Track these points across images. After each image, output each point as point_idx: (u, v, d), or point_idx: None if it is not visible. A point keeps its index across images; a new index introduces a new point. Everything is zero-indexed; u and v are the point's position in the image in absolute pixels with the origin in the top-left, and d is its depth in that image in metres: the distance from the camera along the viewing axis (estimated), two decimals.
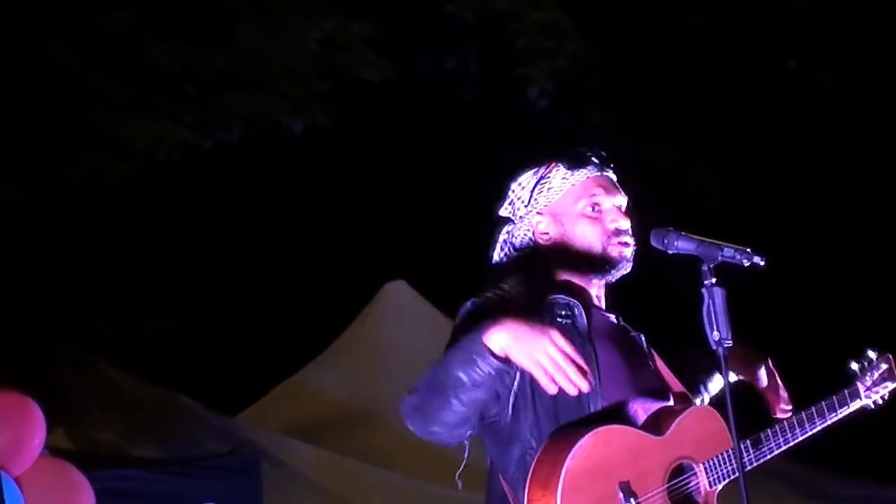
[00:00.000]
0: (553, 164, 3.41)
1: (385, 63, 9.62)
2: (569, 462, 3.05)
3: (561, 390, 3.02)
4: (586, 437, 3.08)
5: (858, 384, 3.53)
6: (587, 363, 3.17)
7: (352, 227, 11.70)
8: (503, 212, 3.46)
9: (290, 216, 11.67)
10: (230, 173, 10.95)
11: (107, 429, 7.60)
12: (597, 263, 3.35)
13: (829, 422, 3.45)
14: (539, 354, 2.95)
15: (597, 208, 3.38)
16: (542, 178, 3.40)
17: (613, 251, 3.34)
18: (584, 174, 3.40)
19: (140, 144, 8.91)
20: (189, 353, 10.69)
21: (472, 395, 3.02)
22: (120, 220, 9.49)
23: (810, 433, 3.42)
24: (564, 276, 3.37)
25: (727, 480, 3.25)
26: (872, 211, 11.53)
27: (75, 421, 7.44)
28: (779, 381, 3.59)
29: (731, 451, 3.21)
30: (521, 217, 3.42)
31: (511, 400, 3.15)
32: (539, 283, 3.34)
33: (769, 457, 3.35)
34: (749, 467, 3.24)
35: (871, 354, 3.60)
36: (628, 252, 3.36)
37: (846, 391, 3.50)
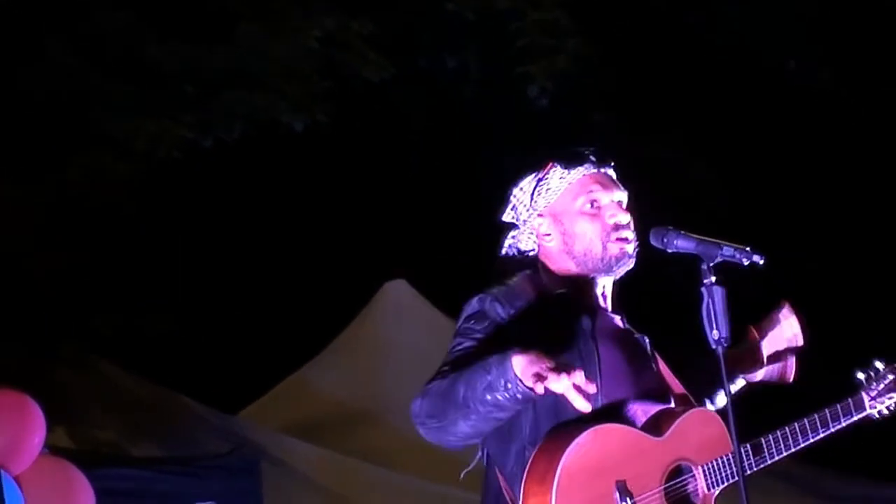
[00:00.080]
0: (550, 166, 3.42)
1: (385, 62, 9.61)
2: (565, 459, 3.04)
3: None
4: (584, 434, 3.08)
5: (863, 394, 3.50)
6: (589, 362, 3.18)
7: (352, 226, 11.70)
8: (506, 217, 3.47)
9: (291, 215, 11.67)
10: (230, 172, 10.95)
11: (107, 428, 7.61)
12: (599, 260, 3.34)
13: (831, 431, 3.42)
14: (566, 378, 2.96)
15: (595, 204, 3.38)
16: (540, 180, 3.41)
17: (614, 248, 3.34)
18: (581, 172, 3.41)
19: (140, 144, 8.90)
20: (189, 352, 10.68)
21: (498, 415, 3.04)
22: (120, 219, 9.48)
23: (812, 441, 3.40)
24: (569, 275, 3.37)
25: (725, 484, 3.24)
26: (872, 211, 11.53)
27: (75, 420, 7.44)
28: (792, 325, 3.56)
29: (730, 455, 3.21)
30: (523, 221, 3.43)
31: None
32: (544, 282, 3.34)
33: (768, 463, 3.34)
34: (748, 473, 3.22)
35: (879, 364, 3.55)
36: (630, 248, 3.36)
37: (850, 400, 3.47)
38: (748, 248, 3.22)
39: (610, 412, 3.19)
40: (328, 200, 11.75)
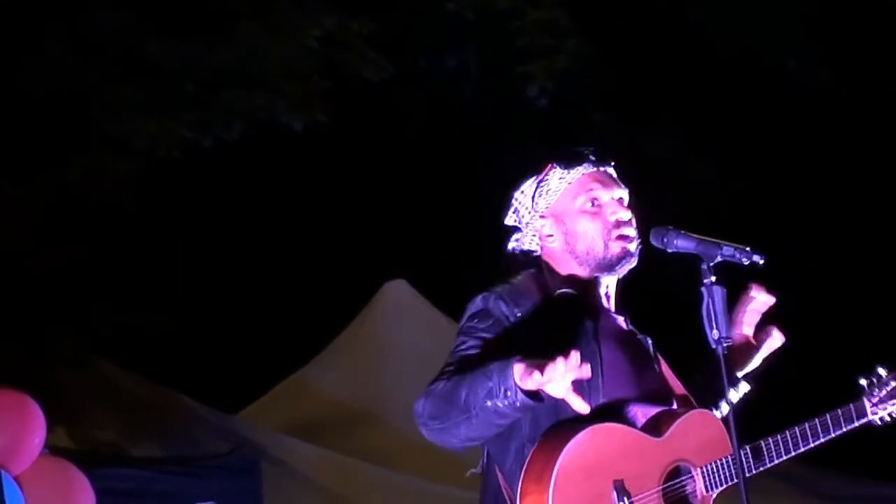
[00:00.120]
0: (550, 167, 3.43)
1: (385, 62, 9.60)
2: (563, 457, 3.04)
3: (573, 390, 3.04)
4: (582, 433, 3.07)
5: (865, 400, 3.48)
6: (591, 362, 3.17)
7: (352, 226, 11.70)
8: (509, 221, 3.47)
9: (290, 215, 11.67)
10: (230, 172, 10.95)
11: (107, 428, 7.61)
12: (601, 259, 3.34)
13: (833, 436, 3.41)
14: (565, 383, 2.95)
15: (596, 203, 3.38)
16: (540, 181, 3.42)
17: (615, 246, 3.34)
18: (580, 171, 3.41)
19: (140, 143, 8.89)
20: (189, 352, 10.68)
21: (498, 421, 3.05)
22: (120, 219, 9.48)
23: (813, 446, 3.39)
24: (572, 275, 3.37)
25: (724, 487, 3.23)
26: (872, 211, 11.52)
27: (75, 420, 7.44)
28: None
29: (730, 458, 3.20)
30: (526, 224, 3.44)
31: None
32: (547, 281, 3.35)
33: (768, 466, 3.33)
34: (748, 476, 3.22)
35: (882, 371, 3.53)
36: (632, 245, 3.36)
37: (852, 406, 3.45)
38: (748, 248, 3.22)
39: (610, 412, 3.19)
40: (328, 200, 11.76)
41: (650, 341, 3.41)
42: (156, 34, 8.89)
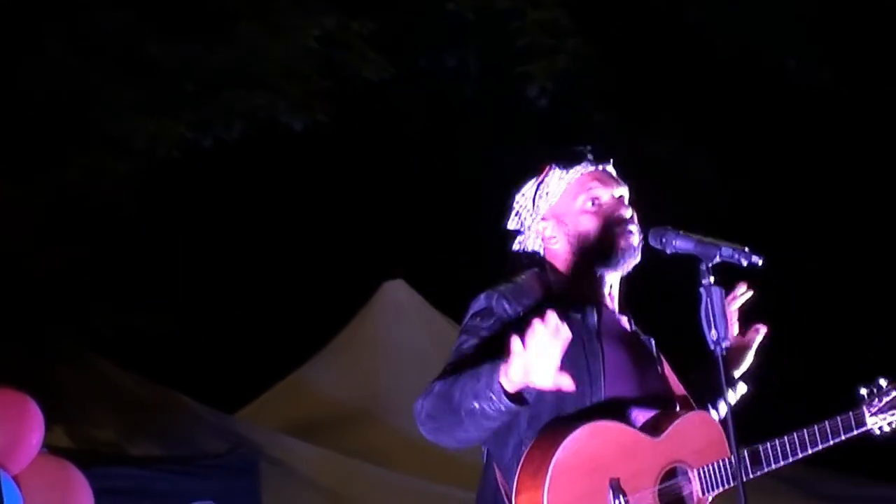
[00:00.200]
0: (549, 168, 3.44)
1: (385, 62, 9.60)
2: (559, 453, 3.04)
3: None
4: (579, 429, 3.07)
5: (865, 409, 3.47)
6: (593, 360, 3.17)
7: (351, 225, 11.70)
8: (511, 225, 3.48)
9: (290, 215, 11.67)
10: (230, 172, 10.95)
11: (105, 427, 7.60)
12: (604, 257, 3.34)
13: (831, 444, 3.41)
14: (550, 376, 2.94)
15: (596, 202, 3.38)
16: (540, 183, 3.43)
17: (618, 241, 3.34)
18: (579, 171, 3.41)
19: (140, 142, 8.89)
20: (188, 351, 10.68)
21: (486, 424, 3.04)
22: (119, 219, 9.48)
23: (811, 453, 3.38)
24: (576, 275, 3.37)
25: (721, 490, 3.23)
26: (872, 211, 11.52)
27: (74, 419, 7.44)
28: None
29: (727, 461, 3.20)
30: (528, 227, 3.44)
31: (533, 397, 3.14)
32: (551, 281, 3.34)
33: (765, 471, 3.33)
34: (744, 480, 3.21)
35: (882, 382, 3.52)
36: (634, 240, 3.35)
37: (851, 415, 3.44)
38: (747, 249, 3.22)
39: (611, 411, 3.19)
40: (327, 200, 11.75)
41: (653, 342, 3.41)
42: (156, 34, 8.89)
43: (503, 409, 2.97)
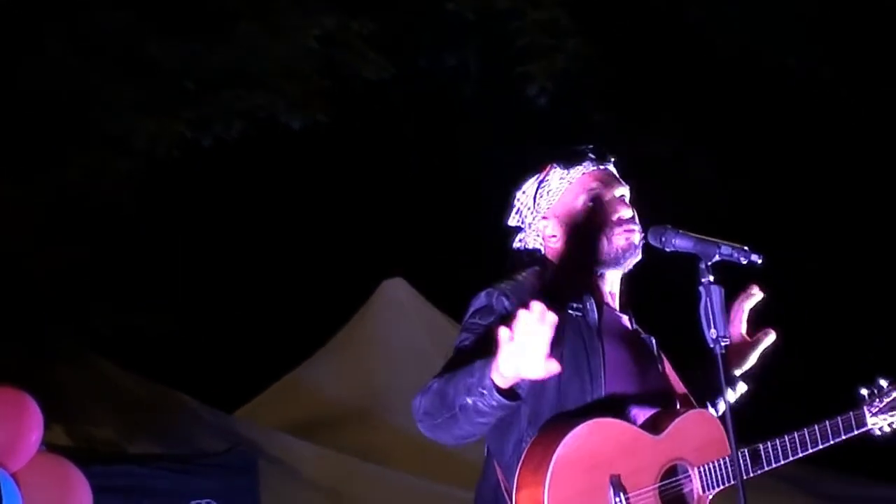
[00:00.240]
0: (550, 167, 3.44)
1: (385, 62, 9.60)
2: (560, 450, 3.04)
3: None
4: (581, 426, 3.07)
5: (865, 409, 3.48)
6: (594, 358, 3.17)
7: (350, 224, 11.70)
8: (512, 222, 3.48)
9: (290, 214, 11.67)
10: (230, 172, 10.95)
11: (104, 425, 7.61)
12: (605, 256, 3.35)
13: (831, 444, 3.41)
14: (540, 365, 2.93)
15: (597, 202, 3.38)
16: (541, 182, 3.43)
17: (619, 240, 3.35)
18: (580, 171, 3.41)
19: (139, 142, 8.90)
20: (187, 350, 10.69)
21: (480, 419, 3.03)
22: (119, 218, 9.49)
23: (811, 453, 3.38)
24: (576, 273, 3.37)
25: (721, 488, 3.23)
26: (873, 210, 11.52)
27: (73, 418, 7.44)
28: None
29: (727, 459, 3.20)
30: (529, 224, 3.44)
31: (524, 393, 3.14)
32: (553, 277, 3.34)
33: (765, 470, 3.33)
34: (745, 478, 3.21)
35: (883, 382, 3.53)
36: (635, 238, 3.36)
37: (852, 415, 3.44)
38: (746, 248, 3.22)
39: (611, 407, 3.19)
40: (327, 199, 11.76)
41: (654, 340, 3.42)
42: (156, 34, 8.89)
43: (495, 404, 2.97)
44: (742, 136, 11.47)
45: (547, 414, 3.17)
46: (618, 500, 3.07)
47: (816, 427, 3.38)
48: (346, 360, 8.67)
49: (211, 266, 11.39)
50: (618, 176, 3.45)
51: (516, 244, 3.47)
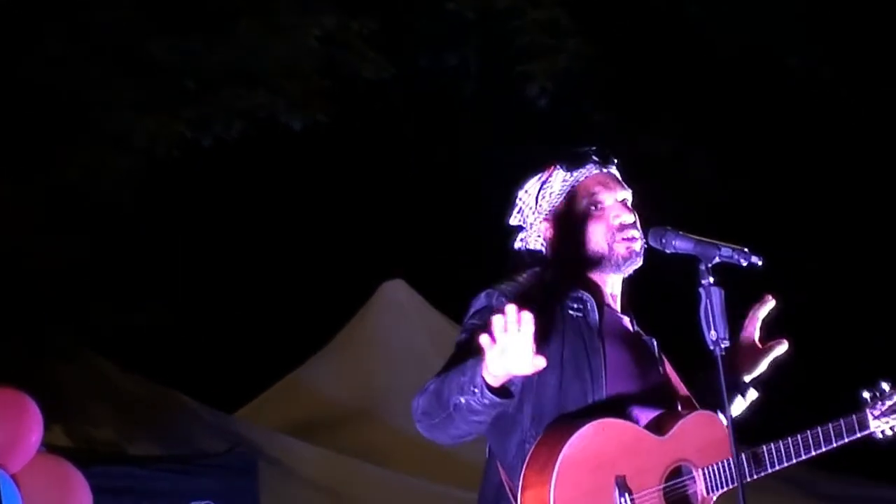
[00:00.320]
0: (553, 168, 3.43)
1: (385, 61, 9.60)
2: (566, 450, 3.04)
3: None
4: (586, 427, 3.08)
5: (868, 412, 3.48)
6: (595, 359, 3.17)
7: (350, 225, 11.69)
8: (513, 221, 3.47)
9: (289, 214, 11.66)
10: (230, 171, 10.95)
11: (104, 426, 7.60)
12: (606, 261, 3.34)
13: (834, 447, 3.41)
14: (527, 362, 2.93)
15: (599, 206, 3.38)
16: (544, 182, 3.42)
17: (620, 247, 3.35)
18: (584, 174, 3.41)
19: (139, 141, 8.90)
20: (187, 351, 10.69)
21: (474, 418, 3.03)
22: (119, 217, 9.49)
23: (814, 455, 3.38)
24: (577, 276, 3.37)
25: (725, 489, 3.23)
26: (873, 210, 11.51)
27: (73, 418, 7.44)
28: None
29: (731, 461, 3.20)
30: (530, 224, 3.44)
31: (519, 390, 3.14)
32: (553, 278, 3.34)
33: (768, 472, 3.33)
34: (746, 480, 3.21)
35: (885, 385, 3.53)
36: (636, 246, 3.35)
37: (854, 418, 3.45)
38: (746, 249, 3.21)
39: (613, 408, 3.19)
40: (327, 199, 11.75)
41: (655, 342, 3.41)
42: (156, 33, 8.88)
43: (487, 402, 2.97)
44: (742, 136, 11.46)
45: (549, 414, 3.17)
46: (623, 500, 3.07)
47: (819, 430, 3.38)
48: (346, 361, 8.67)
49: (211, 266, 11.39)
50: (620, 179, 3.44)
51: (518, 244, 3.46)
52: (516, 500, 3.11)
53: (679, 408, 3.33)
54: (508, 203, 3.49)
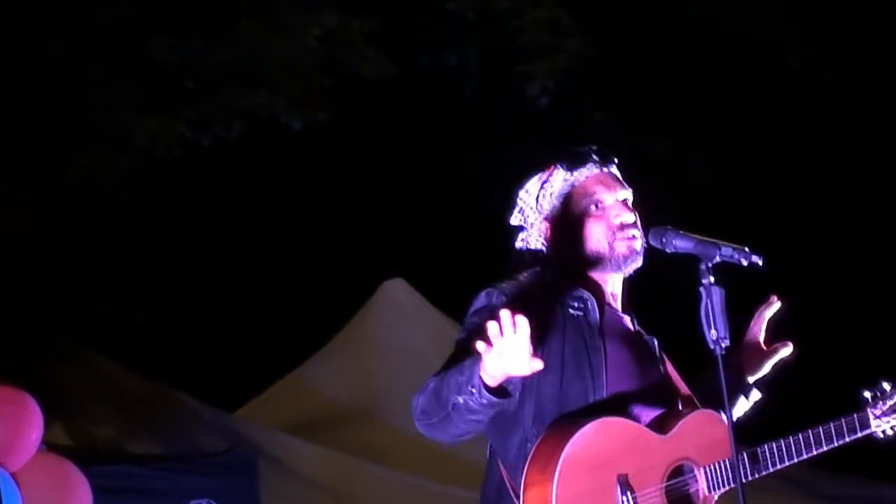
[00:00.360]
0: (554, 168, 3.43)
1: (385, 61, 9.61)
2: (568, 448, 3.05)
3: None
4: (588, 425, 3.09)
5: (869, 411, 3.48)
6: (595, 358, 3.18)
7: (350, 224, 11.69)
8: (514, 220, 3.48)
9: (290, 213, 11.66)
10: (230, 171, 10.95)
11: (104, 425, 7.61)
12: (607, 260, 3.35)
13: (834, 446, 3.41)
14: (525, 363, 2.94)
15: (600, 206, 3.38)
16: (544, 182, 3.42)
17: (620, 246, 3.35)
18: (584, 173, 3.41)
19: (139, 141, 8.90)
20: (188, 350, 10.69)
21: (472, 417, 3.04)
22: (119, 217, 9.49)
23: (814, 455, 3.38)
24: (577, 275, 3.37)
25: (726, 488, 3.24)
26: (873, 210, 11.51)
27: (73, 417, 7.44)
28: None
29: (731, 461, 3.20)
30: (531, 224, 3.44)
31: (518, 390, 3.14)
32: (554, 277, 3.34)
33: (769, 471, 3.33)
34: (747, 480, 3.21)
35: (886, 385, 3.53)
36: (637, 245, 3.36)
37: (856, 417, 3.45)
38: (747, 249, 3.22)
39: (614, 407, 3.20)
40: (327, 199, 11.75)
41: (656, 342, 3.42)
42: (156, 32, 8.89)
43: (485, 402, 2.98)
44: (742, 136, 11.45)
45: (550, 413, 3.18)
46: (625, 498, 3.08)
47: (820, 429, 3.38)
48: (346, 361, 8.66)
49: (211, 265, 11.38)
50: (620, 179, 3.45)
51: (518, 243, 3.47)
52: (518, 499, 3.12)
53: (680, 407, 3.33)
54: (508, 203, 3.49)
